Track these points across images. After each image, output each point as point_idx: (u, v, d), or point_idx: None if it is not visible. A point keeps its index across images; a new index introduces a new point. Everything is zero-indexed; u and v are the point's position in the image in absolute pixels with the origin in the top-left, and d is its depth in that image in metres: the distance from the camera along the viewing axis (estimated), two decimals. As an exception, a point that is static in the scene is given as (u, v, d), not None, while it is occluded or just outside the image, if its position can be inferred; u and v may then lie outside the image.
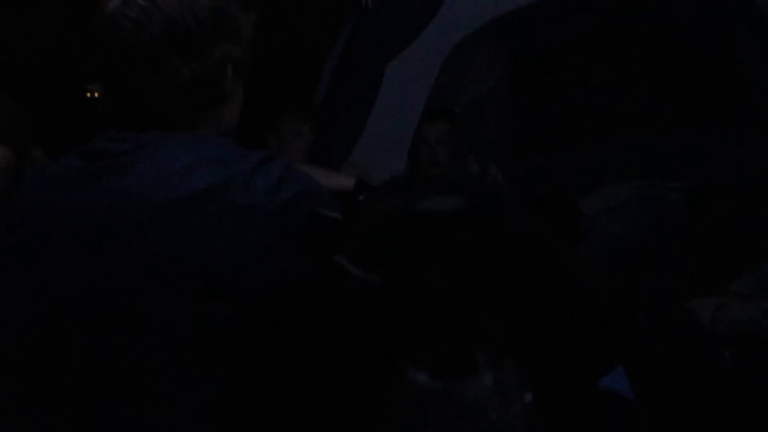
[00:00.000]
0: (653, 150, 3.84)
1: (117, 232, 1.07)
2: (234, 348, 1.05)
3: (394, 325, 0.95)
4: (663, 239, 3.36)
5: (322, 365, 1.01)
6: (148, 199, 1.07)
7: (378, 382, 0.96)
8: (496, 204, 0.98)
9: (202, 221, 1.05)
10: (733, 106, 3.63)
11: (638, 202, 3.60)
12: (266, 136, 3.05)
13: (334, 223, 1.04)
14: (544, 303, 0.95)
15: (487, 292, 0.90)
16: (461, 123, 3.37)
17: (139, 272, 1.06)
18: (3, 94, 1.86)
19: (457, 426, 0.92)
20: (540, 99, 3.99)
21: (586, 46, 3.80)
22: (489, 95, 3.93)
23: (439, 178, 3.06)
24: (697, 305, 2.30)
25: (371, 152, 3.31)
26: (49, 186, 1.15)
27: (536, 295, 0.94)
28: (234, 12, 1.18)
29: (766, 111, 3.62)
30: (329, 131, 3.40)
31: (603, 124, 3.93)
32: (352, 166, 3.11)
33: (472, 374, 0.89)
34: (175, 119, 1.16)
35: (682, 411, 1.84)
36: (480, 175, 3.36)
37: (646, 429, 1.55)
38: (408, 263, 0.93)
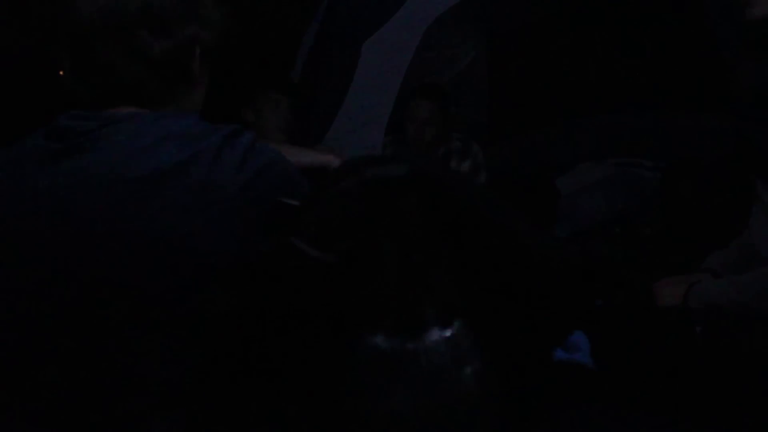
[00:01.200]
0: (629, 129, 3.87)
1: (83, 212, 1.07)
2: (202, 322, 1.06)
3: (352, 293, 0.96)
4: (637, 216, 3.39)
5: (284, 339, 1.02)
6: (114, 178, 1.07)
7: (337, 350, 0.97)
8: (439, 170, 1.00)
9: (168, 198, 1.06)
10: (708, 87, 3.65)
11: (613, 181, 3.62)
12: (243, 110, 3.04)
13: (293, 209, 1.05)
14: (493, 267, 0.96)
15: (432, 252, 0.92)
16: (449, 101, 3.37)
17: (107, 250, 1.06)
18: None
19: (411, 391, 0.93)
20: (516, 78, 4.00)
21: (560, 24, 3.81)
22: (465, 75, 3.94)
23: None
24: (670, 281, 2.31)
25: (348, 130, 3.31)
26: (12, 167, 1.15)
27: (484, 258, 0.96)
28: None
29: (740, 91, 3.64)
30: (307, 109, 3.39)
31: (579, 103, 3.94)
32: (325, 147, 3.10)
33: (421, 331, 0.91)
34: (144, 97, 1.17)
35: (649, 384, 1.87)
36: (462, 152, 3.37)
37: (609, 400, 1.57)
38: (361, 231, 0.94)
